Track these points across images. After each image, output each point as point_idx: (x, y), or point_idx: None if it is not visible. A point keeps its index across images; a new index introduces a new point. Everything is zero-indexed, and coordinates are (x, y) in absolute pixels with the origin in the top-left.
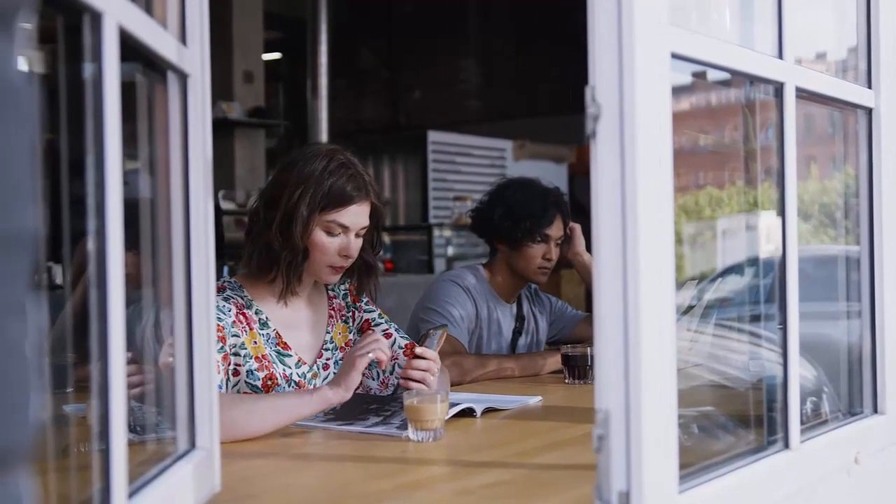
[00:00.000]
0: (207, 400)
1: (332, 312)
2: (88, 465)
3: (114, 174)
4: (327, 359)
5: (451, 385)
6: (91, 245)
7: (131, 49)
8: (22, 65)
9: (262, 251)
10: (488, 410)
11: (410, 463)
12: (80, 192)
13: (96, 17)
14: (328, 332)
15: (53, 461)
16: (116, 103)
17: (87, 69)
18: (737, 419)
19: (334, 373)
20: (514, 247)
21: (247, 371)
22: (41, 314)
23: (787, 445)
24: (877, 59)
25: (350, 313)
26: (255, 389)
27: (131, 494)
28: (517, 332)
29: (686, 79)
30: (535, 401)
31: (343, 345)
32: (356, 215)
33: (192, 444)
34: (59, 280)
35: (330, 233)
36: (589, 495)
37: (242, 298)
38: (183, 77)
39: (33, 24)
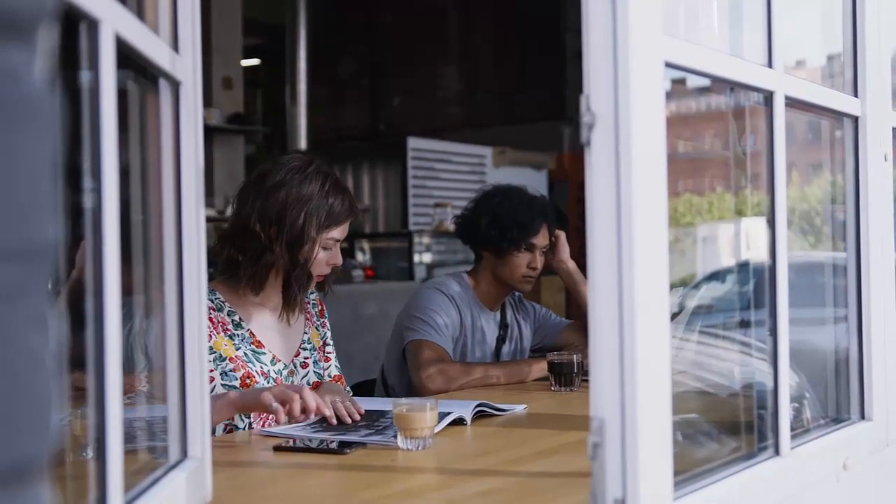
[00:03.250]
0: (199, 409)
1: (308, 315)
2: (79, 475)
3: (110, 182)
4: (305, 357)
5: (437, 393)
6: (87, 252)
7: (124, 56)
8: (43, 75)
9: (264, 270)
10: (479, 415)
11: (401, 472)
12: (75, 200)
13: (93, 25)
14: (306, 333)
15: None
16: (113, 110)
17: (83, 76)
18: (724, 426)
19: (314, 371)
20: (500, 255)
21: (221, 373)
22: (60, 325)
23: (777, 452)
24: (863, 67)
25: (320, 322)
26: (233, 390)
27: None
28: (501, 340)
29: (665, 85)
30: (521, 409)
31: (318, 347)
32: (346, 228)
33: (184, 454)
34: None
35: (325, 248)
36: (581, 502)
37: (213, 301)
38: (175, 84)
39: (55, 35)
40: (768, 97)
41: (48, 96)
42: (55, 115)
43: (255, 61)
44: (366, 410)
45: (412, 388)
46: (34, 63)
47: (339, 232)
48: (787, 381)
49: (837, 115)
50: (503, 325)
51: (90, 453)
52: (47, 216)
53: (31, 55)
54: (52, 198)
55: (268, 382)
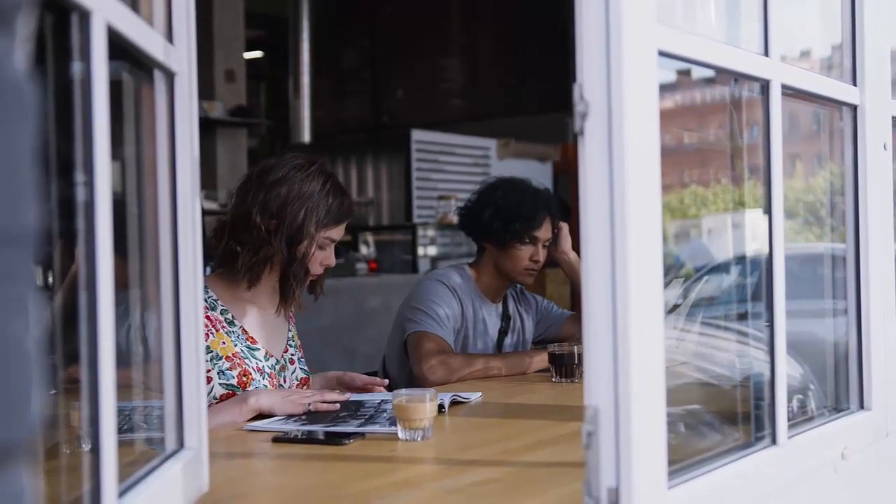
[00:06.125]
0: (195, 400)
1: (291, 315)
2: (75, 466)
3: (103, 174)
4: (291, 354)
5: (439, 384)
6: (80, 246)
7: (118, 47)
8: (22, 63)
9: (262, 263)
10: (454, 403)
11: (399, 462)
12: (67, 193)
13: (84, 16)
14: (290, 331)
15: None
16: (105, 103)
17: (75, 67)
18: (724, 416)
19: (300, 368)
20: (502, 247)
21: (218, 372)
22: (42, 311)
23: (774, 441)
24: (861, 56)
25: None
26: (231, 388)
27: (121, 494)
28: (503, 332)
29: (670, 76)
30: (475, 397)
31: (298, 346)
32: (343, 230)
33: (181, 444)
34: (39, 282)
35: (321, 247)
36: (577, 492)
37: (206, 301)
38: (170, 76)
39: (33, 22)
40: (764, 86)
41: (27, 84)
42: (34, 103)
43: (257, 54)
44: (347, 402)
45: (413, 380)
46: (13, 51)
47: (335, 232)
48: (784, 370)
49: (836, 105)
50: (506, 317)
51: (87, 444)
52: (27, 202)
53: (10, 43)
54: (32, 184)
55: (263, 378)
